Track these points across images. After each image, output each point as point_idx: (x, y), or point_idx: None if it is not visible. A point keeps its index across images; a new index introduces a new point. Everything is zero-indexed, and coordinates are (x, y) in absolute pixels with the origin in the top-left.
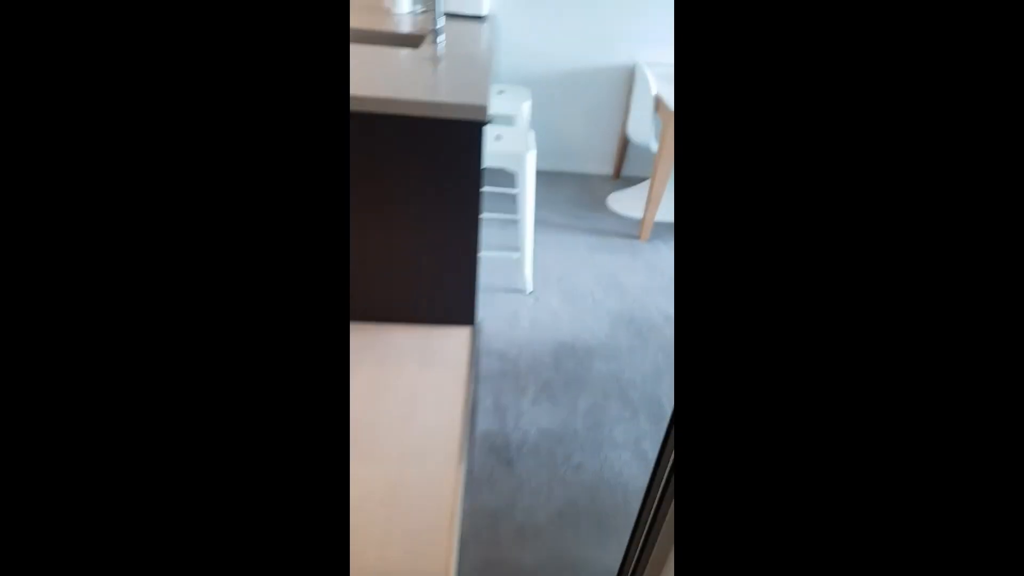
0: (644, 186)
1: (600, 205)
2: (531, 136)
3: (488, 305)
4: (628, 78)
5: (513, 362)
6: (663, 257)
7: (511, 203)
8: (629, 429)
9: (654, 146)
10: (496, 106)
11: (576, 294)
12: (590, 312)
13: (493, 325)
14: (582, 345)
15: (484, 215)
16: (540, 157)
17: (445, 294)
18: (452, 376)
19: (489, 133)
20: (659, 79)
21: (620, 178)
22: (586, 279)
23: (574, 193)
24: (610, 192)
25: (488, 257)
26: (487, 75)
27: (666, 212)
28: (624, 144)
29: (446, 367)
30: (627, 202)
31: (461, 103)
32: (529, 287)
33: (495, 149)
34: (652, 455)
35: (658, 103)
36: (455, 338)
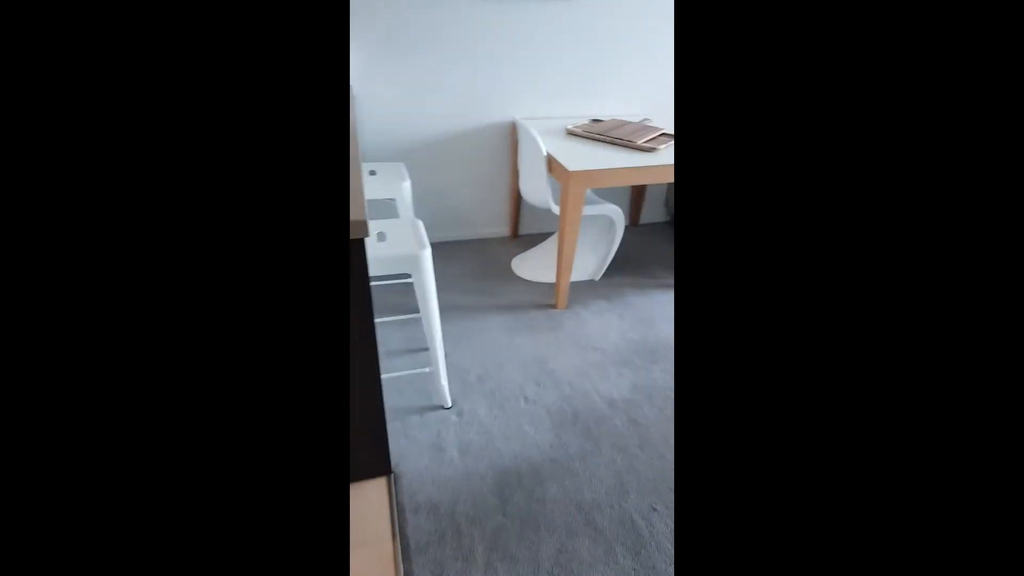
0: (547, 245)
1: (505, 273)
2: (420, 228)
3: (402, 437)
4: (509, 134)
5: (449, 514)
6: (586, 326)
7: (404, 294)
8: (609, 574)
9: (555, 208)
10: (370, 191)
11: (504, 396)
12: (526, 417)
13: (414, 465)
14: (527, 466)
15: (376, 320)
16: (429, 229)
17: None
18: (373, 560)
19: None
20: (545, 136)
21: (519, 237)
22: (511, 372)
23: (474, 264)
24: (512, 255)
25: (391, 378)
26: (359, 174)
27: (576, 273)
28: (517, 202)
29: (364, 547)
30: (533, 265)
31: None
32: (448, 401)
33: (380, 253)
34: None
35: (551, 163)
36: (368, 499)
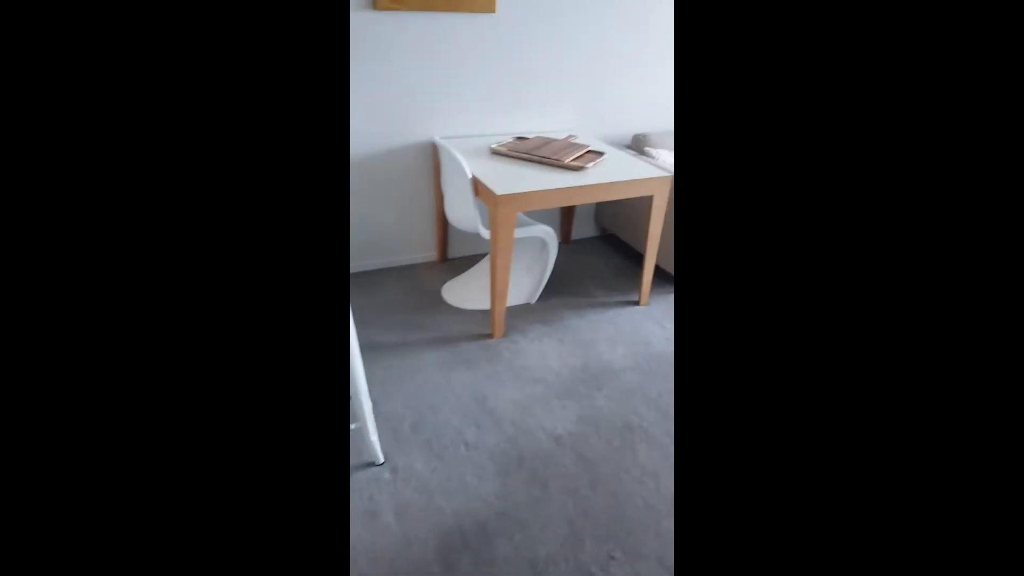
0: (479, 269)
1: (435, 301)
2: None
3: None
4: (429, 155)
5: None
6: (525, 354)
7: None
8: None
9: (484, 233)
10: None
11: (443, 444)
12: (468, 465)
13: None
14: (473, 524)
15: None
16: (350, 258)
17: None
18: None
19: None
20: (468, 156)
21: (447, 261)
22: (448, 416)
23: (401, 293)
24: (441, 281)
25: None
26: None
27: (511, 297)
28: (443, 224)
29: None
30: (465, 292)
31: None
32: (379, 457)
33: None
34: None
35: (477, 186)
36: None
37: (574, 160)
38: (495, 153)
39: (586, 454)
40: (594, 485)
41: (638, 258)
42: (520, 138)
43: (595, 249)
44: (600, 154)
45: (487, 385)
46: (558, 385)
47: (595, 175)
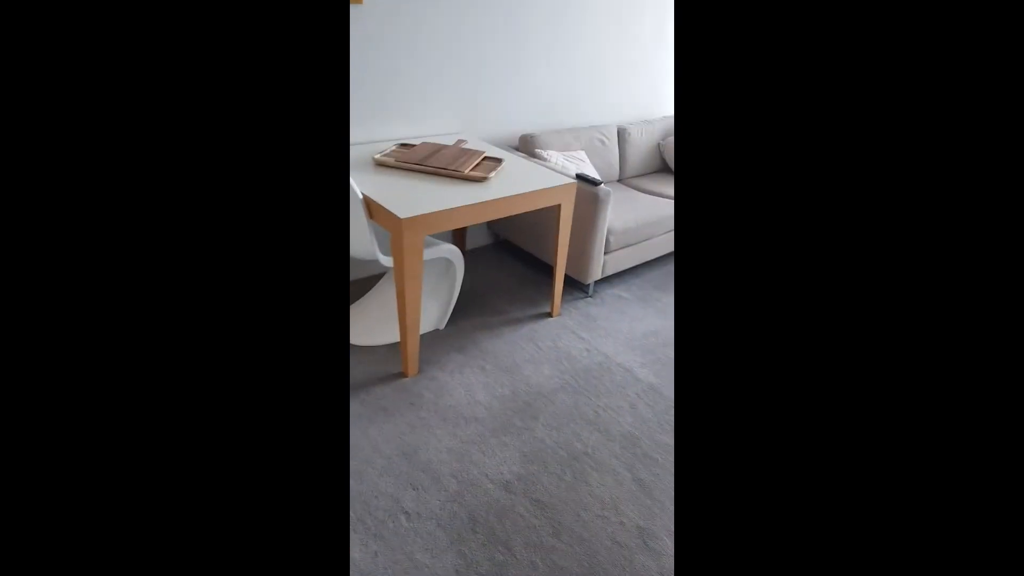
0: (375, 296)
1: None
2: None
3: None
4: None
5: None
6: (448, 391)
7: None
8: None
9: (384, 260)
10: None
11: (378, 519)
12: (415, 540)
13: None
14: None
15: None
16: None
17: None
18: None
19: None
20: (350, 171)
21: None
22: (376, 480)
23: None
24: None
25: None
26: None
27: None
28: None
29: None
30: (362, 325)
31: None
32: None
33: None
34: None
35: (370, 207)
36: None
37: (473, 170)
38: (381, 165)
39: (540, 498)
40: (557, 533)
41: (539, 265)
42: (405, 145)
43: (493, 259)
44: (499, 161)
45: (414, 435)
46: (492, 422)
47: (499, 187)
